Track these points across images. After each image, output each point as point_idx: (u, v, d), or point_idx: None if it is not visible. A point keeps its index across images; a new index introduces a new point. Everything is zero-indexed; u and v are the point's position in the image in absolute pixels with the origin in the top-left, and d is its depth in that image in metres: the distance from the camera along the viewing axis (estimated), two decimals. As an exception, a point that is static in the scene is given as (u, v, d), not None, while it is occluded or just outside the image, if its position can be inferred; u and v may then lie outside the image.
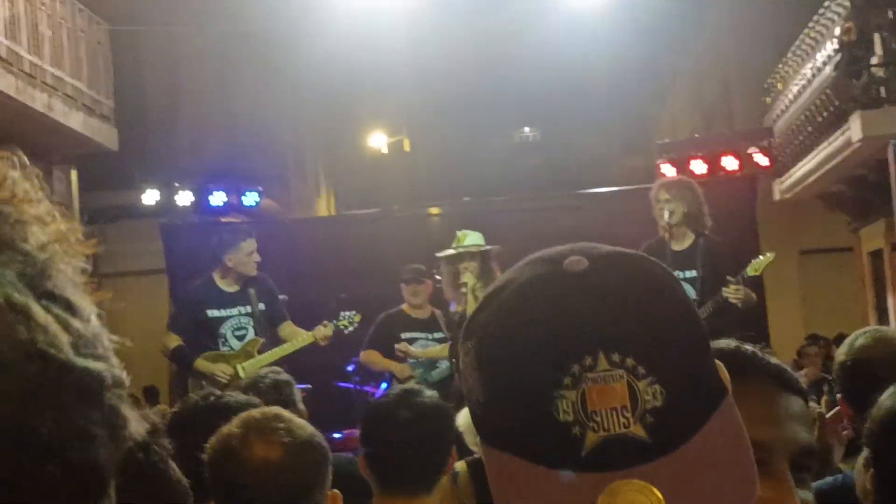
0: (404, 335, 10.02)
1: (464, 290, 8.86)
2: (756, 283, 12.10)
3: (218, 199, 14.02)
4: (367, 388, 11.27)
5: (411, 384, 9.76)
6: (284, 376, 5.32)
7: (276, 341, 9.57)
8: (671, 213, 8.58)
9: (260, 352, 9.47)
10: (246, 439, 2.85)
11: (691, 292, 8.31)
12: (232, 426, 2.90)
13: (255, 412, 2.99)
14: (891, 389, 3.10)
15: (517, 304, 1.14)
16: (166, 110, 18.45)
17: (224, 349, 9.34)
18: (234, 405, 3.49)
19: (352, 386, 11.40)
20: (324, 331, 9.56)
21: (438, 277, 10.00)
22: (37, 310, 0.63)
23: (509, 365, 1.12)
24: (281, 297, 10.23)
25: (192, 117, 18.85)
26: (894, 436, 3.16)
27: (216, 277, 9.49)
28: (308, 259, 13.70)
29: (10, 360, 0.60)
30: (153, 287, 15.67)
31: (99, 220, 17.67)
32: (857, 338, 3.84)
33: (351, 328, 9.91)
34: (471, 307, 8.74)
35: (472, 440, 4.81)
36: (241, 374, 9.27)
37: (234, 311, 9.45)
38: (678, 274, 8.45)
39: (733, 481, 1.12)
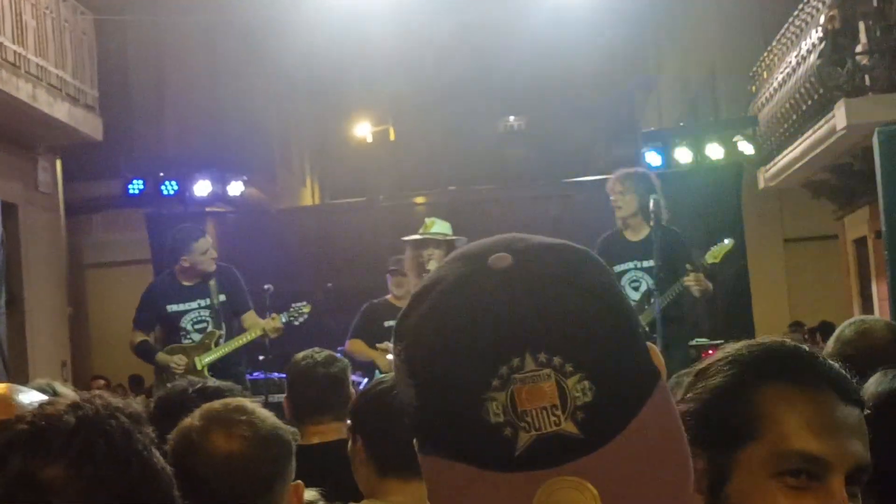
0: (388, 323, 10.07)
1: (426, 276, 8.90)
2: (741, 272, 12.21)
3: (203, 188, 14.00)
4: (353, 377, 11.32)
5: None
6: (337, 356, 5.36)
7: (242, 332, 9.66)
8: (623, 206, 8.67)
9: (216, 344, 9.55)
10: (207, 432, 2.82)
11: (649, 282, 8.41)
12: (194, 418, 2.88)
13: (216, 404, 2.98)
14: (875, 377, 3.15)
15: (443, 306, 1.14)
16: (151, 100, 18.44)
17: (186, 342, 9.42)
18: (213, 392, 3.49)
19: (338, 375, 11.44)
20: (272, 323, 9.64)
21: (330, 285, 10.09)
22: None
23: (439, 369, 1.12)
24: (266, 286, 10.27)
25: (178, 107, 18.85)
26: (880, 421, 3.21)
27: (177, 272, 9.58)
28: (294, 249, 13.73)
29: None
30: (139, 277, 15.65)
31: (84, 210, 17.68)
32: (843, 330, 3.87)
33: (301, 319, 9.97)
34: None
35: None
36: (199, 365, 9.36)
37: (194, 304, 9.53)
38: (635, 264, 8.55)
39: (668, 468, 1.12)
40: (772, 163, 15.11)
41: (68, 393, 3.32)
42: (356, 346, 10.15)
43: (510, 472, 1.09)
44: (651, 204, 8.93)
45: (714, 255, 8.59)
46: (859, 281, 15.51)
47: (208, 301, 9.55)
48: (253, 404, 2.99)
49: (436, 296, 1.16)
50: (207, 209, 15.04)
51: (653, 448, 1.11)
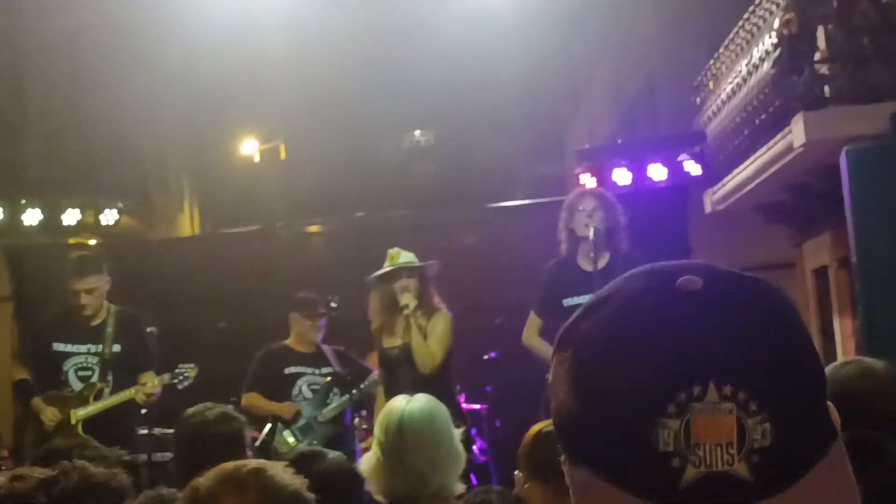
0: (288, 370, 10.07)
1: (406, 311, 8.95)
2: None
3: (71, 217, 13.84)
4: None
5: (295, 431, 9.81)
6: (233, 411, 5.33)
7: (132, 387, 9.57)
8: (592, 224, 8.69)
9: (96, 398, 9.47)
10: (216, 494, 2.85)
11: None
12: (206, 478, 2.90)
13: (229, 465, 2.98)
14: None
15: (624, 318, 1.20)
16: (9, 116, 18.19)
17: (66, 389, 9.31)
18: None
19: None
20: (143, 389, 9.58)
21: (334, 305, 10.06)
22: None
23: (610, 383, 1.17)
24: (149, 329, 10.20)
25: (39, 123, 18.62)
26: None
27: (74, 306, 9.47)
28: (179, 285, 13.66)
29: None
30: (-5, 313, 15.46)
31: (-70, 241, 17.37)
32: (839, 369, 3.95)
33: (186, 383, 9.94)
34: (414, 336, 8.85)
35: (375, 489, 4.90)
36: (73, 419, 9.28)
37: (84, 348, 9.44)
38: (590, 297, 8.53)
39: None
40: (720, 183, 15.24)
41: None
42: (254, 401, 10.14)
43: None
44: (591, 233, 9.02)
45: None
46: (819, 314, 15.67)
47: (100, 348, 9.47)
48: (274, 466, 2.99)
49: (615, 306, 1.22)
50: (71, 241, 14.88)
51: None
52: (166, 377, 9.74)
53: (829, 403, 1.24)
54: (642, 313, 1.18)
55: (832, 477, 1.17)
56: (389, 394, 9.07)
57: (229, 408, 5.49)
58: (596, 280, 8.56)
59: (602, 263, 8.80)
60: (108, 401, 9.47)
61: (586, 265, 8.81)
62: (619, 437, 1.15)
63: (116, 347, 9.56)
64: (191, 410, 5.52)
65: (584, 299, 8.54)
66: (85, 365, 9.45)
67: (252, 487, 2.86)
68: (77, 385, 9.40)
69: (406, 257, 9.20)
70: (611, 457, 1.16)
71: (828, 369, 4.07)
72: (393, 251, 9.23)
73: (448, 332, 9.13)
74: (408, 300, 8.97)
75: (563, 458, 1.24)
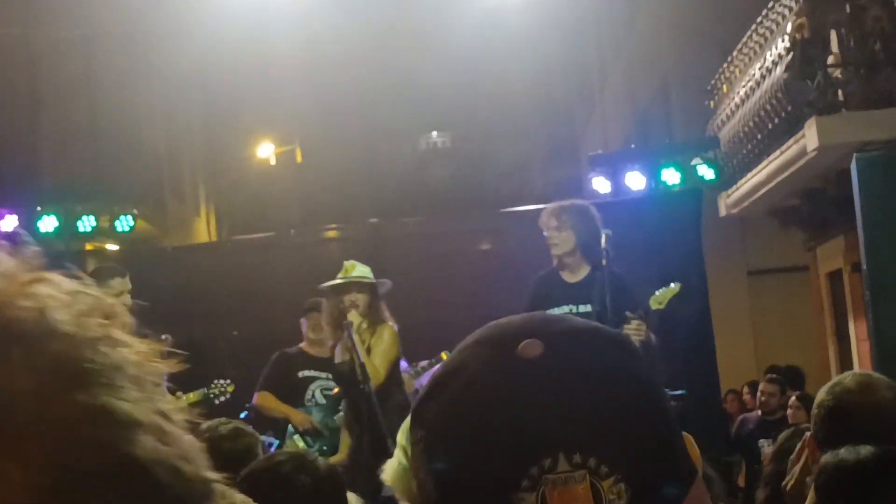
0: (302, 373, 10.05)
1: (348, 332, 8.89)
2: (701, 307, 12.30)
3: (87, 224, 13.87)
4: (263, 438, 11.27)
5: (306, 439, 9.83)
6: (246, 426, 5.37)
7: None
8: (558, 244, 8.67)
9: None
10: None
11: None
12: None
13: None
14: (843, 451, 3.30)
15: (469, 399, 1.20)
16: (24, 124, 18.26)
17: None
18: None
19: (247, 435, 11.39)
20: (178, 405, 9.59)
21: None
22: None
23: (463, 466, 1.18)
24: (163, 336, 10.27)
25: (55, 131, 18.69)
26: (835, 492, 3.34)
27: None
28: (193, 292, 13.66)
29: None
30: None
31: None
32: (844, 379, 4.00)
33: (223, 398, 9.94)
34: (361, 350, 8.81)
35: (399, 495, 4.94)
36: None
37: None
38: (571, 308, 8.51)
39: None
40: (734, 188, 15.24)
41: None
42: (266, 401, 10.12)
43: None
44: (603, 240, 9.02)
45: (658, 300, 8.57)
46: (834, 318, 15.67)
47: None
48: None
49: (460, 385, 1.21)
50: (88, 246, 14.91)
51: None
52: (202, 392, 9.72)
53: (686, 437, 1.26)
54: (487, 389, 1.18)
55: None
56: (346, 408, 9.06)
57: (242, 423, 5.48)
58: (577, 292, 8.57)
59: (582, 275, 8.75)
60: None
61: (567, 277, 8.79)
62: None
63: None
64: (204, 425, 5.50)
65: (563, 309, 8.57)
66: None
67: None
68: None
69: (360, 271, 9.11)
70: None
71: (833, 379, 4.11)
72: (348, 263, 9.15)
73: (392, 344, 9.01)
74: (352, 317, 8.91)
75: None
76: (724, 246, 16.77)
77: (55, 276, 0.80)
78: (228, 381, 9.95)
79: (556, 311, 8.57)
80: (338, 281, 9.12)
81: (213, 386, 9.84)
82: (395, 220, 17.28)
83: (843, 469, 3.21)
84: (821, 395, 4.00)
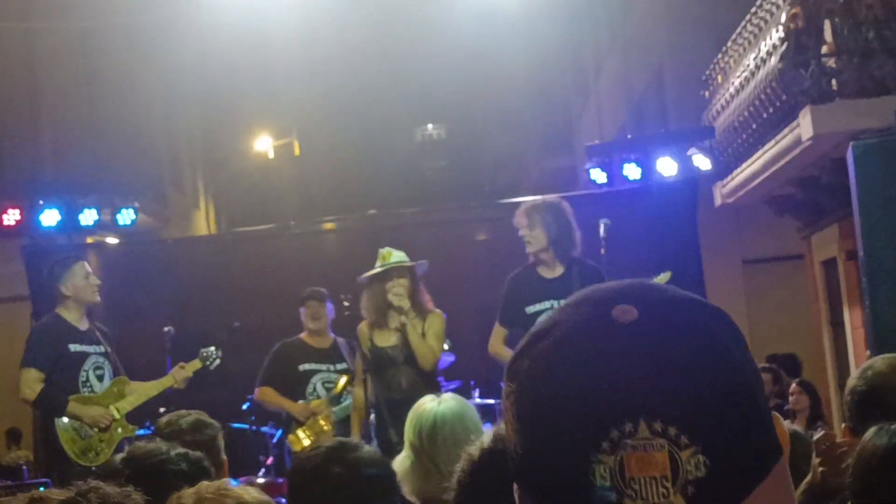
0: (303, 366, 10.02)
1: (402, 320, 8.93)
2: (697, 295, 12.31)
3: (89, 217, 13.83)
4: (264, 430, 11.24)
5: (344, 438, 9.78)
6: (207, 418, 5.33)
7: None
8: (531, 242, 8.74)
9: (127, 393, 9.44)
10: None
11: None
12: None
13: (203, 485, 2.91)
14: (873, 430, 3.25)
15: (560, 354, 1.20)
16: (25, 117, 18.24)
17: (84, 390, 9.24)
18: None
19: (248, 427, 11.38)
20: (182, 373, 9.56)
21: (346, 304, 10.05)
22: None
23: (548, 421, 1.18)
24: (166, 329, 10.23)
25: (55, 124, 18.66)
26: (874, 477, 3.29)
27: (63, 314, 9.40)
28: (192, 284, 13.65)
29: None
30: (14, 316, 15.44)
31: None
32: (874, 364, 3.96)
33: (217, 363, 9.92)
34: (413, 335, 8.85)
35: (408, 490, 4.90)
36: (116, 415, 9.25)
37: (92, 348, 9.40)
38: (552, 304, 8.53)
39: None
40: (729, 177, 15.23)
41: None
42: (267, 395, 10.10)
43: None
44: (602, 229, 9.03)
45: None
46: (829, 306, 15.66)
47: (103, 348, 9.47)
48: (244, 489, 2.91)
49: (553, 341, 1.22)
50: (89, 239, 14.88)
51: None
52: (198, 362, 9.72)
53: (776, 416, 1.25)
54: (578, 349, 1.20)
55: (771, 499, 1.19)
56: (383, 392, 9.06)
57: (203, 415, 5.44)
58: (556, 288, 8.59)
59: (559, 271, 8.80)
60: (148, 390, 9.43)
61: (545, 273, 8.83)
62: (558, 473, 1.17)
63: (108, 346, 9.54)
64: (164, 419, 5.47)
65: (544, 305, 8.61)
66: (98, 364, 9.40)
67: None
68: (96, 384, 9.34)
69: (397, 256, 9.13)
70: (552, 492, 1.19)
71: (862, 365, 4.07)
72: (384, 251, 9.16)
73: (443, 330, 9.12)
74: (401, 302, 8.94)
75: (516, 492, 1.26)
76: (720, 235, 16.78)
77: None
78: (213, 347, 9.96)
79: (537, 307, 8.63)
80: (378, 269, 9.13)
81: (204, 357, 9.84)
82: (393, 210, 17.25)
83: (878, 452, 3.17)
84: (851, 381, 3.97)
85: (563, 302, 1.32)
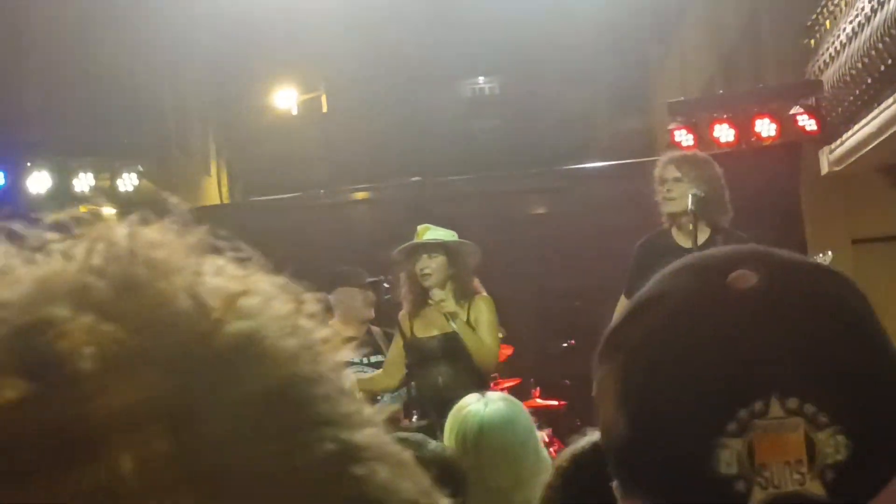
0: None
1: (432, 304, 8.91)
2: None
3: (84, 182, 13.89)
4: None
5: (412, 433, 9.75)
6: None
7: None
8: (676, 199, 8.63)
9: None
10: None
11: None
12: None
13: None
14: None
15: (674, 326, 1.21)
16: (10, 68, 18.30)
17: None
18: None
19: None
20: None
21: (387, 286, 10.03)
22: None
23: (663, 400, 1.18)
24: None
25: (45, 76, 18.73)
26: None
27: None
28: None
29: None
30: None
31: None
32: None
33: None
34: (462, 330, 8.83)
35: (446, 503, 4.86)
36: None
37: None
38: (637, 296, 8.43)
39: None
40: (838, 141, 15.17)
41: None
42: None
43: None
44: (689, 200, 8.97)
45: None
46: (954, 295, 15.60)
47: None
48: None
49: (664, 311, 1.22)
50: (83, 209, 14.91)
51: None
52: None
53: None
54: (694, 319, 1.19)
55: None
56: (424, 392, 9.05)
57: None
58: None
59: (701, 239, 8.70)
60: None
61: (683, 240, 8.72)
62: (675, 460, 1.17)
63: None
64: None
65: None
66: None
67: None
68: None
69: (434, 234, 9.06)
70: (668, 483, 1.18)
71: None
72: (421, 227, 9.13)
73: (495, 317, 9.07)
74: (430, 282, 8.92)
75: (614, 484, 1.26)
76: (826, 209, 16.68)
77: (260, 280, 0.76)
78: None
79: None
80: (405, 245, 9.14)
81: None
82: (439, 179, 17.23)
83: None
84: None
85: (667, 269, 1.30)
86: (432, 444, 4.02)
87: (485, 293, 9.17)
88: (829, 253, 8.73)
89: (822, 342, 1.17)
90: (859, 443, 1.14)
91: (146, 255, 0.72)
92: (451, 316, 8.93)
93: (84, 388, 0.65)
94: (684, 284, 1.24)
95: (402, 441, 2.55)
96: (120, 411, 0.64)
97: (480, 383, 8.65)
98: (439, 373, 8.96)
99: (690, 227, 8.67)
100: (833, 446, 1.13)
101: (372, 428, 0.74)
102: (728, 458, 1.14)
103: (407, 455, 0.76)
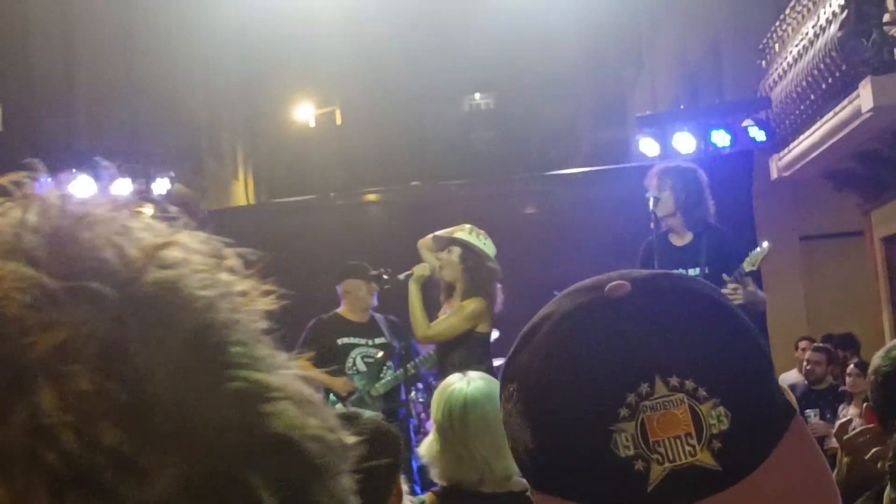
0: (341, 341, 10.01)
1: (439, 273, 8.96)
2: (752, 275, 12.27)
3: (123, 187, 13.91)
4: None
5: (349, 406, 9.78)
6: None
7: None
8: (658, 204, 8.67)
9: None
10: None
11: None
12: None
13: None
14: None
15: (558, 338, 1.21)
16: (58, 83, 18.32)
17: None
18: None
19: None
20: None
21: (386, 277, 10.08)
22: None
23: (559, 406, 1.18)
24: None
25: (90, 91, 18.74)
26: None
27: None
28: (230, 256, 13.75)
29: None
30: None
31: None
32: None
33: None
34: (412, 301, 8.89)
35: (437, 474, 4.92)
36: None
37: None
38: (679, 272, 8.47)
39: None
40: (786, 150, 15.16)
41: None
42: (305, 370, 10.15)
43: None
44: (651, 203, 9.02)
45: (752, 261, 8.50)
46: (889, 284, 15.56)
47: None
48: None
49: (547, 330, 1.23)
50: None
51: (796, 485, 1.19)
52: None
53: (781, 385, 1.26)
54: (576, 328, 1.20)
55: (797, 453, 1.20)
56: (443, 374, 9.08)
57: None
58: (684, 256, 8.53)
59: (689, 238, 8.76)
60: None
61: (675, 240, 8.79)
62: (579, 454, 1.17)
63: None
64: None
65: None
66: None
67: None
68: None
69: (465, 235, 9.06)
70: (576, 476, 1.18)
71: (887, 345, 4.07)
72: (466, 225, 9.13)
73: (473, 312, 8.98)
74: (417, 269, 9.02)
75: (530, 491, 1.26)
76: (776, 210, 16.66)
77: (185, 236, 0.76)
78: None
79: None
80: (439, 233, 9.14)
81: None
82: (439, 183, 17.26)
83: None
84: (876, 360, 3.94)
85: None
86: (367, 414, 4.09)
87: (485, 299, 9.11)
88: (766, 244, 8.75)
89: (694, 325, 1.18)
90: (738, 412, 1.14)
91: (75, 211, 0.71)
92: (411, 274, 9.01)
93: (11, 330, 0.64)
94: (564, 304, 1.24)
95: (341, 414, 2.69)
96: (45, 352, 0.64)
97: (483, 365, 8.67)
98: (454, 356, 8.93)
99: (651, 225, 8.75)
100: (716, 417, 1.13)
101: (284, 370, 0.74)
102: (625, 441, 1.14)
103: (316, 396, 0.76)
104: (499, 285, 9.04)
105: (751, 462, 1.16)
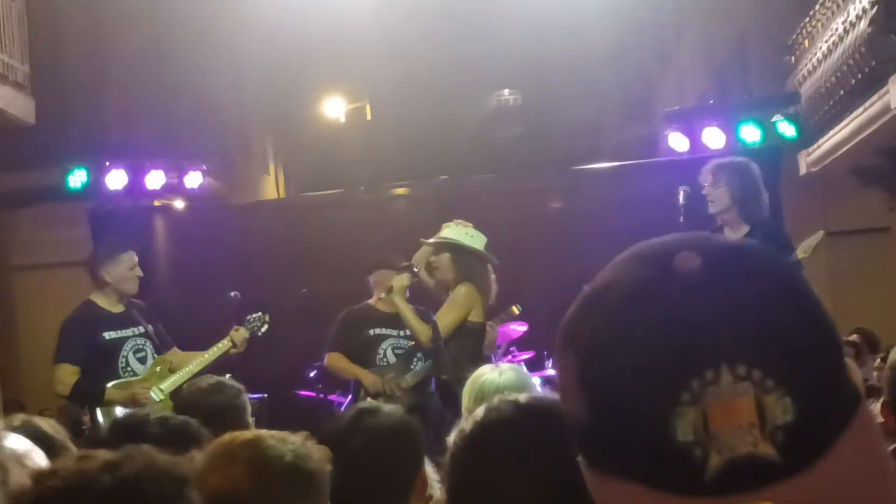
0: (373, 332, 9.97)
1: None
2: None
3: (155, 180, 13.85)
4: (331, 398, 11.25)
5: (369, 401, 9.72)
6: (228, 381, 5.43)
7: None
8: (714, 201, 8.71)
9: (172, 371, 9.43)
10: (205, 468, 2.86)
11: None
12: (204, 451, 2.92)
13: (225, 437, 3.01)
14: None
15: (624, 312, 1.15)
16: (92, 77, 18.30)
17: (126, 375, 9.23)
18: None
19: (314, 394, 11.39)
20: (238, 335, 9.60)
21: (416, 269, 9.99)
22: None
23: (619, 382, 1.13)
24: (233, 293, 10.20)
25: (122, 85, 18.72)
26: None
27: (96, 300, 9.42)
28: (259, 250, 13.67)
29: None
30: (77, 281, 15.52)
31: (12, 204, 17.53)
32: None
33: (264, 328, 9.91)
34: (404, 312, 8.90)
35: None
36: (159, 396, 9.23)
37: (129, 331, 9.38)
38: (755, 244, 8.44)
39: (875, 499, 1.14)
40: (814, 146, 15.10)
41: (54, 431, 3.36)
42: (337, 362, 10.03)
43: (698, 498, 1.11)
44: (681, 196, 8.94)
45: (804, 249, 8.53)
46: (915, 281, 15.54)
47: (142, 329, 9.48)
48: (274, 437, 2.98)
49: (615, 302, 1.17)
50: (156, 203, 14.92)
51: (857, 477, 1.13)
52: (245, 329, 9.71)
53: (850, 364, 1.20)
54: (643, 303, 1.15)
55: (862, 442, 1.14)
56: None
57: (227, 378, 5.54)
58: None
59: (742, 232, 8.77)
60: (198, 364, 9.40)
61: (729, 234, 8.77)
62: (636, 434, 1.13)
63: (150, 327, 9.54)
64: (192, 382, 5.68)
65: None
66: (137, 346, 9.38)
67: (240, 460, 2.83)
68: (138, 367, 9.32)
69: (448, 232, 9.09)
70: (630, 456, 1.14)
71: None
72: (446, 223, 9.16)
73: (465, 298, 9.01)
74: (396, 281, 9.17)
75: (583, 464, 1.21)
76: (804, 205, 16.55)
77: None
78: (259, 313, 9.96)
79: None
80: (432, 240, 9.19)
81: (250, 323, 9.85)
82: (466, 178, 17.16)
83: None
84: (893, 356, 3.90)
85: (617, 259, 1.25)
86: (386, 407, 4.05)
87: (471, 283, 9.09)
88: (820, 232, 8.70)
89: (764, 311, 1.13)
90: (804, 404, 1.10)
91: None
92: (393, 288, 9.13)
93: None
94: (630, 272, 1.19)
95: (360, 409, 2.60)
96: None
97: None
98: (453, 355, 8.94)
99: (681, 220, 8.70)
100: (781, 409, 1.10)
101: None
102: (684, 426, 1.10)
103: None
104: (493, 276, 9.09)
105: (813, 454, 1.12)
